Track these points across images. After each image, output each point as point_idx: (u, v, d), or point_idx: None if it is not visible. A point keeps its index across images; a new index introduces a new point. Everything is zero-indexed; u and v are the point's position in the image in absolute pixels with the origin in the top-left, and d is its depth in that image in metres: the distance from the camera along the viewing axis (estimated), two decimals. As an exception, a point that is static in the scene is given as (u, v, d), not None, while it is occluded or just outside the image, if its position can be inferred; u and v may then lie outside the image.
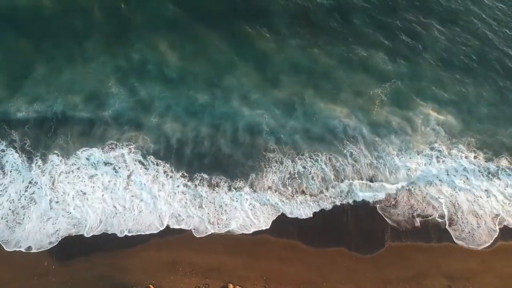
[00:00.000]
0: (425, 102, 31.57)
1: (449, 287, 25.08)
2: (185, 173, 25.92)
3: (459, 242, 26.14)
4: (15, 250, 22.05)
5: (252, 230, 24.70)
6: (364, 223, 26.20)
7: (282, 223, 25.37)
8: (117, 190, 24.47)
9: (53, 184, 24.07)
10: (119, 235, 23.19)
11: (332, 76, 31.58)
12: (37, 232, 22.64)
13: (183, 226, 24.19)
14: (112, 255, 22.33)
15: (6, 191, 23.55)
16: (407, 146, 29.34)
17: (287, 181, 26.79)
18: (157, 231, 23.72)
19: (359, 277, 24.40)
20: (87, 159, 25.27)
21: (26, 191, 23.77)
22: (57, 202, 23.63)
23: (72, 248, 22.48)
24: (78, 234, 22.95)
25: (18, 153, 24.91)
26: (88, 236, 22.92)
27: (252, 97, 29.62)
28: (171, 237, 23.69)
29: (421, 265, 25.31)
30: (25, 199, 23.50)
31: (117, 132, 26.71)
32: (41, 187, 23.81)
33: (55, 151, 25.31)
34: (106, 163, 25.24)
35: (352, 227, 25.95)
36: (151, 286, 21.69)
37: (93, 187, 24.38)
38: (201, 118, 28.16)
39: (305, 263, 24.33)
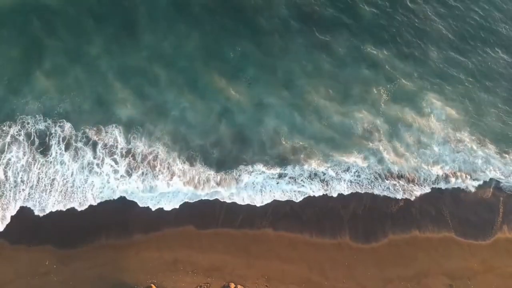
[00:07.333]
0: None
1: (450, 286, 25.14)
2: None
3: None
4: (17, 249, 22.00)
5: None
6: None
7: (283, 218, 25.44)
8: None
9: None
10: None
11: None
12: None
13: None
14: (114, 255, 22.25)
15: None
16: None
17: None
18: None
19: (360, 276, 24.46)
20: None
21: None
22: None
23: (74, 247, 22.41)
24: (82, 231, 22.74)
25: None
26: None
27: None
28: (172, 235, 23.59)
29: (422, 264, 25.39)
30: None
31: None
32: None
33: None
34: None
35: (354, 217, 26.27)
36: (152, 285, 21.71)
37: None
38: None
39: (306, 262, 24.37)
